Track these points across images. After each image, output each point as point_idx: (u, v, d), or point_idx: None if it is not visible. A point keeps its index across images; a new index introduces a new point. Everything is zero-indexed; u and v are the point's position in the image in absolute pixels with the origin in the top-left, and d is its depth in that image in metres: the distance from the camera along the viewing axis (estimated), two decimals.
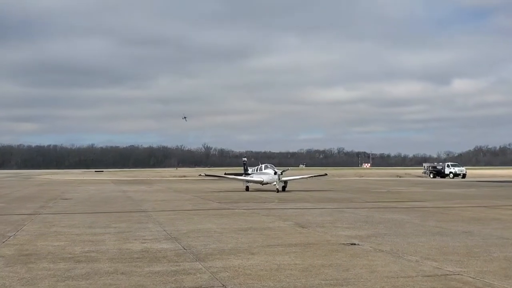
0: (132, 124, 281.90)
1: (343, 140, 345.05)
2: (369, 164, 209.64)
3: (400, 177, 78.15)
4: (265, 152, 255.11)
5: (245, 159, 42.09)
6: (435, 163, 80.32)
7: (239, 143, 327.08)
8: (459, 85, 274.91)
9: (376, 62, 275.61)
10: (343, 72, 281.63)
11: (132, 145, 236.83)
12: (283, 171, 35.63)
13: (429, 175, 72.74)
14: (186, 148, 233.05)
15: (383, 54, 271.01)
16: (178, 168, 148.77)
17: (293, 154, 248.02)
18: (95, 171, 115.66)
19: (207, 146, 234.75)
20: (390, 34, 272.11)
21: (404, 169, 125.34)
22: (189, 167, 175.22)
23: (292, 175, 45.32)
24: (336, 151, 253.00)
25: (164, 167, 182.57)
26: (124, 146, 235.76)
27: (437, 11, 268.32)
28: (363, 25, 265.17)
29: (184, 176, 77.84)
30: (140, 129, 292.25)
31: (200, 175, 41.52)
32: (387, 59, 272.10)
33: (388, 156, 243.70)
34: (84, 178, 70.26)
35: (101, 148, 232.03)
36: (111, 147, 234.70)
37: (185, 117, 70.16)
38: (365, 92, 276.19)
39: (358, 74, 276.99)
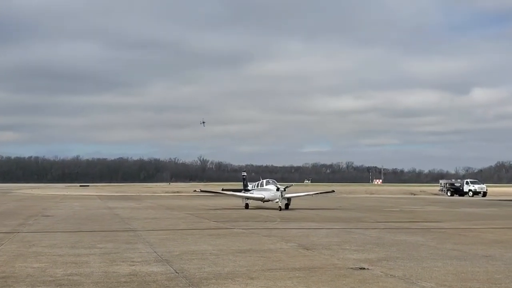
0: (122, 134, 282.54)
1: (352, 153, 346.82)
2: (380, 180, 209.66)
3: (414, 194, 77.87)
4: (266, 166, 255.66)
5: (245, 173, 42.36)
6: (453, 180, 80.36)
7: (238, 156, 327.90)
8: (479, 94, 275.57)
9: (388, 70, 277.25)
10: (352, 80, 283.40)
11: (121, 157, 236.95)
12: (286, 187, 35.93)
13: (446, 193, 72.77)
14: (180, 161, 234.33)
15: (395, 60, 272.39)
16: (171, 183, 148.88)
17: (298, 169, 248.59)
18: (80, 186, 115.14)
19: (203, 159, 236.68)
20: (403, 39, 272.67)
21: (419, 186, 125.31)
22: (184, 182, 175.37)
23: (296, 191, 45.52)
24: (344, 166, 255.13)
25: (156, 181, 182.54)
26: (112, 158, 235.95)
27: (454, 15, 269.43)
28: (373, 30, 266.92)
29: (178, 192, 77.49)
30: (130, 140, 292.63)
31: (195, 191, 41.71)
32: (399, 66, 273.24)
33: (401, 171, 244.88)
34: (68, 193, 70.28)
35: (87, 160, 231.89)
36: (98, 159, 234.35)
37: (203, 122, 70.94)
38: (376, 101, 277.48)
39: (368, 82, 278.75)
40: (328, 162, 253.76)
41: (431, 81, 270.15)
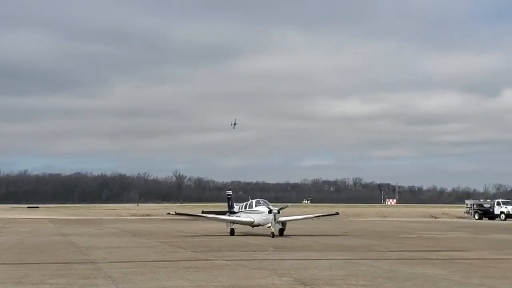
0: (79, 145, 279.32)
1: (361, 168, 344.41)
2: (394, 200, 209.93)
3: (435, 217, 78.24)
4: (257, 183, 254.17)
5: (230, 192, 42.81)
6: (481, 200, 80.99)
7: (222, 170, 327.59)
8: (511, 97, 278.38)
9: (402, 68, 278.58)
10: (360, 80, 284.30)
11: (79, 173, 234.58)
12: (281, 208, 36.28)
13: (474, 216, 73.31)
14: (151, 177, 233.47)
15: (411, 57, 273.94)
16: (139, 204, 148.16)
17: (295, 186, 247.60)
18: (28, 207, 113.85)
19: (179, 174, 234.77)
20: (421, 32, 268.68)
21: (441, 207, 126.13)
22: (155, 202, 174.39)
23: (293, 214, 45.50)
24: (351, 183, 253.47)
25: (121, 202, 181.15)
26: (68, 173, 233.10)
27: (482, 4, 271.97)
28: (385, 21, 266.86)
29: (148, 215, 77.04)
30: (89, 151, 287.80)
31: (169, 213, 41.66)
32: (416, 64, 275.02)
33: (420, 189, 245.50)
34: (13, 216, 70.23)
35: (37, 176, 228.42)
36: (50, 174, 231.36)
37: (235, 123, 73.00)
38: (388, 105, 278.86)
39: (379, 82, 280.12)
40: (332, 178, 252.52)
41: (455, 81, 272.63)
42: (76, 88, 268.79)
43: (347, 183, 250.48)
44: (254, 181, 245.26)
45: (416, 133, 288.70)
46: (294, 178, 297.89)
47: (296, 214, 45.17)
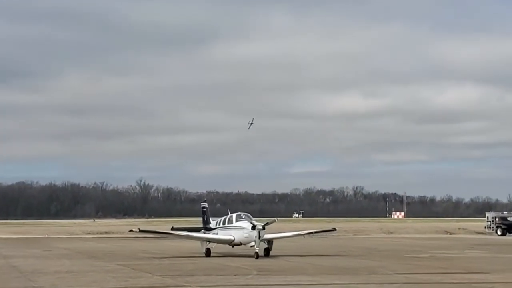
0: (22, 149, 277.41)
1: (362, 175, 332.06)
2: (402, 214, 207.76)
3: (450, 233, 78.62)
4: (238, 194, 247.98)
5: (206, 204, 43.20)
6: (505, 213, 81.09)
7: (196, 179, 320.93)
8: None
9: (411, 55, 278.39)
10: (360, 69, 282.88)
11: (22, 182, 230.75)
12: (267, 224, 36.56)
13: (496, 231, 73.27)
14: (110, 187, 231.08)
15: (422, 42, 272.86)
16: (96, 220, 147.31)
17: (284, 197, 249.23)
18: None
19: (144, 184, 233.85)
20: (434, 12, 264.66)
21: (457, 221, 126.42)
22: (115, 217, 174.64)
23: (281, 230, 45.52)
24: (351, 193, 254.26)
25: (74, 217, 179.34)
26: (9, 183, 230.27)
27: None
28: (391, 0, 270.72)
29: (107, 233, 76.68)
30: (35, 157, 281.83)
31: (132, 230, 41.88)
32: (428, 51, 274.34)
33: (432, 200, 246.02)
34: None
35: None
36: None
37: (251, 123, 74.44)
38: (394, 100, 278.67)
39: (383, 72, 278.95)
40: (328, 188, 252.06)
41: (473, 71, 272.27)
42: (18, 80, 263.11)
43: (346, 193, 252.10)
44: (235, 191, 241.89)
45: (427, 133, 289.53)
46: (283, 187, 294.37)
47: (285, 231, 45.35)
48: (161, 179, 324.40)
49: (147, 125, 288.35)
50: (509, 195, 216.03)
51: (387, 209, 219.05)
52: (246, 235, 35.49)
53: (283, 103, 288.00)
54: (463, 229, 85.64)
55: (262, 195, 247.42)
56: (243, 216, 37.48)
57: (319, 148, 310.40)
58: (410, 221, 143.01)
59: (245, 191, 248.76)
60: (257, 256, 33.98)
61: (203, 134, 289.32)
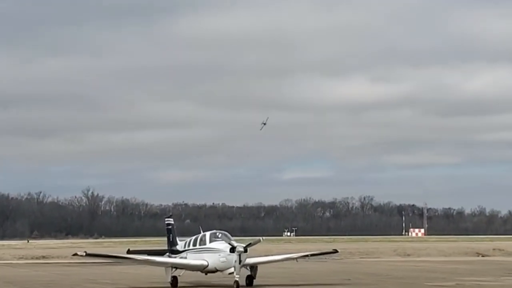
0: None
1: (372, 182, 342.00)
2: (422, 231, 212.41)
3: (482, 256, 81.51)
4: (213, 207, 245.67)
5: (171, 220, 44.07)
6: None
7: (159, 188, 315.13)
8: None
9: (434, 30, 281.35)
10: (369, 48, 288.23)
11: None
12: (250, 245, 36.97)
13: None
14: (49, 199, 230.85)
15: (446, 13, 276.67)
16: (31, 241, 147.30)
17: (271, 211, 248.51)
18: None
19: (92, 194, 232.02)
20: None
21: (491, 239, 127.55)
22: (56, 237, 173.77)
23: (269, 253, 47.33)
24: (357, 204, 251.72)
25: (2, 237, 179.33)
26: None
27: None
28: None
29: (45, 257, 77.45)
30: None
31: (77, 254, 41.87)
32: (454, 24, 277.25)
33: (460, 214, 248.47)
34: None
35: None
36: None
37: (264, 123, 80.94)
38: (413, 86, 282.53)
39: (397, 51, 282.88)
40: (328, 198, 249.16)
41: (511, 49, 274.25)
42: None
43: (350, 205, 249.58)
44: (209, 203, 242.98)
45: (453, 128, 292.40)
46: (270, 198, 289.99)
47: (273, 253, 46.63)
48: (114, 188, 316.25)
49: (95, 119, 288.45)
50: None
51: (403, 225, 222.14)
52: (223, 259, 36.38)
53: (270, 91, 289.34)
54: (499, 249, 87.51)
55: (244, 208, 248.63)
56: (219, 235, 38.31)
57: (316, 148, 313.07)
58: (432, 240, 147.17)
59: (222, 203, 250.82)
60: (237, 285, 34.82)
61: (168, 130, 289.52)
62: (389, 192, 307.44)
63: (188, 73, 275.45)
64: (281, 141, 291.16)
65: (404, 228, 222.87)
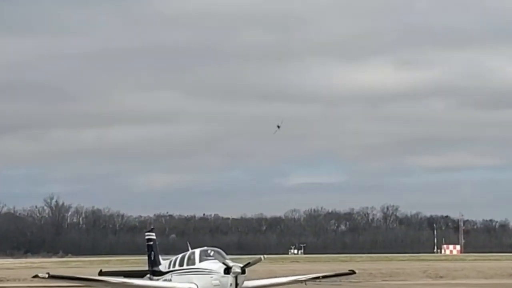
0: None
1: (396, 188, 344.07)
2: (457, 247, 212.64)
3: None
4: (204, 219, 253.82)
5: (153, 235, 46.82)
6: None
7: (138, 196, 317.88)
8: None
9: (467, 2, 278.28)
10: (390, 26, 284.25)
11: None
12: (248, 264, 38.26)
13: None
14: (4, 210, 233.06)
15: None
16: None
17: (275, 223, 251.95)
18: None
19: (57, 204, 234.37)
20: None
21: None
22: (12, 256, 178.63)
23: (272, 275, 49.02)
24: (378, 215, 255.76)
25: None
26: None
27: None
28: None
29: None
30: None
31: (37, 276, 42.54)
32: None
33: (503, 227, 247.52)
34: None
35: None
36: None
37: (279, 126, 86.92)
38: (444, 71, 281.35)
39: (425, 30, 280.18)
40: (342, 208, 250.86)
41: None
42: None
43: (371, 217, 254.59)
44: (198, 214, 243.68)
45: (495, 123, 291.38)
46: (274, 208, 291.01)
47: (277, 275, 48.45)
48: (83, 196, 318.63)
49: (59, 113, 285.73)
50: None
51: (435, 241, 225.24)
52: (216, 282, 37.83)
53: (272, 78, 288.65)
54: None
55: (242, 220, 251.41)
56: (211, 253, 40.15)
57: (328, 148, 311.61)
58: (470, 258, 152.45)
59: (214, 214, 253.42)
60: None
61: (148, 125, 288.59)
62: (417, 201, 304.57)
63: (172, 57, 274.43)
64: (286, 139, 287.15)
65: (435, 244, 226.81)
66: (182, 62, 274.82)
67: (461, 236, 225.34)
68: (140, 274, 44.52)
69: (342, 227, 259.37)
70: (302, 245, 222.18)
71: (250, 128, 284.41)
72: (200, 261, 39.73)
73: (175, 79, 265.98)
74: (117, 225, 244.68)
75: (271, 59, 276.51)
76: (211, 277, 38.19)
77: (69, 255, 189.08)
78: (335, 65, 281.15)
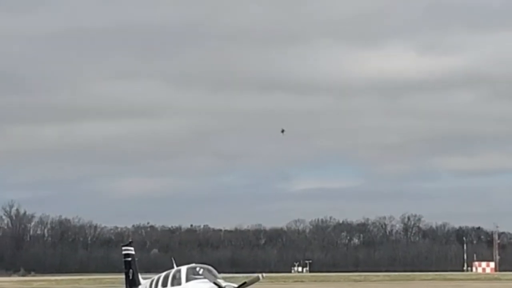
0: None
1: (418, 194, 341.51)
2: (491, 265, 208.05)
3: None
4: (191, 230, 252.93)
5: (131, 250, 48.17)
6: None
7: (113, 203, 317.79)
8: None
9: None
10: (412, 2, 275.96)
11: None
12: (244, 285, 40.92)
13: None
14: None
15: None
16: None
17: (275, 235, 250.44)
18: None
19: (17, 212, 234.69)
20: None
21: None
22: None
23: None
24: (398, 226, 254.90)
25: None
26: None
27: None
28: None
29: None
30: None
31: None
32: None
33: None
34: None
35: None
36: None
37: (283, 130, 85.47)
38: (474, 57, 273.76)
39: (453, 9, 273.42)
40: (356, 218, 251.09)
41: None
42: None
43: (389, 228, 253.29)
44: (185, 225, 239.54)
45: None
46: (274, 218, 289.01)
47: None
48: (48, 204, 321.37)
49: (19, 106, 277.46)
50: None
51: (465, 257, 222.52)
52: None
53: (272, 65, 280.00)
54: None
55: (236, 232, 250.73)
56: (200, 272, 40.28)
57: (337, 147, 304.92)
58: (507, 277, 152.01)
59: (203, 226, 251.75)
60: None
61: (126, 120, 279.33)
62: (443, 210, 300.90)
63: (153, 40, 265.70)
64: (289, 136, 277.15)
65: (465, 261, 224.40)
66: (165, 45, 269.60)
67: (496, 252, 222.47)
68: None
69: (355, 240, 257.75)
70: (307, 261, 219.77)
71: (247, 123, 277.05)
72: (187, 280, 39.70)
73: (157, 66, 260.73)
74: (89, 238, 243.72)
75: (271, 42, 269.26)
76: None
77: (32, 273, 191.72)
78: (347, 49, 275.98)
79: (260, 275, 43.47)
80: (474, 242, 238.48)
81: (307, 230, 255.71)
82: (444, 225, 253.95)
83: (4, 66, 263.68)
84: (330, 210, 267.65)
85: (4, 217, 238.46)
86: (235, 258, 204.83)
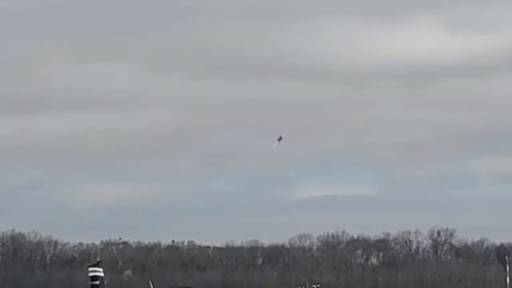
0: None
1: (449, 204, 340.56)
2: None
3: None
4: (173, 247, 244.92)
5: (100, 271, 30.45)
6: None
7: (78, 215, 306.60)
8: None
9: None
10: None
11: None
12: None
13: None
14: None
15: None
16: None
17: (276, 253, 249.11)
18: None
19: None
20: None
21: None
22: None
23: None
24: (426, 242, 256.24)
25: None
26: None
27: None
28: None
29: None
30: None
31: None
32: None
33: None
34: None
35: None
36: None
37: (279, 139, 65.59)
38: None
39: None
40: (373, 232, 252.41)
41: None
42: None
43: (414, 246, 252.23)
44: (165, 241, 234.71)
45: None
46: (273, 232, 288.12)
47: None
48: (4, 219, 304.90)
49: None
50: None
51: (507, 279, 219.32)
52: None
53: (272, 46, 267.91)
54: None
55: (228, 249, 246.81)
56: None
57: (350, 145, 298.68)
58: None
59: (188, 242, 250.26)
60: None
61: (94, 113, 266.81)
62: (481, 223, 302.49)
63: (126, 16, 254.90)
64: (291, 133, 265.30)
65: (508, 284, 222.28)
66: (141, 22, 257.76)
67: None
68: None
69: (373, 259, 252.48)
70: (315, 286, 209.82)
71: (238, 117, 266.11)
72: None
73: (131, 47, 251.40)
74: (48, 257, 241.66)
75: (271, 20, 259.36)
76: None
77: None
78: (361, 27, 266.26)
79: None
80: None
81: (315, 248, 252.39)
82: (481, 242, 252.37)
83: None
84: (342, 223, 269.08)
85: None
86: (226, 281, 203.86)
